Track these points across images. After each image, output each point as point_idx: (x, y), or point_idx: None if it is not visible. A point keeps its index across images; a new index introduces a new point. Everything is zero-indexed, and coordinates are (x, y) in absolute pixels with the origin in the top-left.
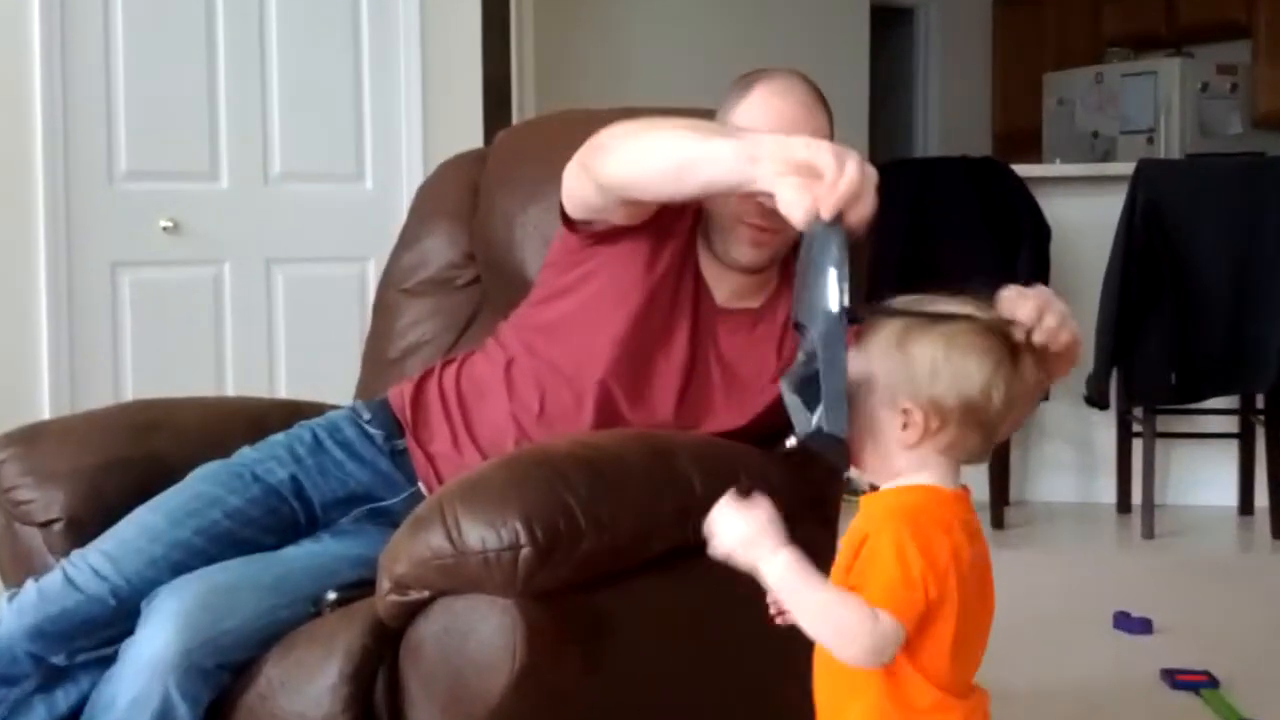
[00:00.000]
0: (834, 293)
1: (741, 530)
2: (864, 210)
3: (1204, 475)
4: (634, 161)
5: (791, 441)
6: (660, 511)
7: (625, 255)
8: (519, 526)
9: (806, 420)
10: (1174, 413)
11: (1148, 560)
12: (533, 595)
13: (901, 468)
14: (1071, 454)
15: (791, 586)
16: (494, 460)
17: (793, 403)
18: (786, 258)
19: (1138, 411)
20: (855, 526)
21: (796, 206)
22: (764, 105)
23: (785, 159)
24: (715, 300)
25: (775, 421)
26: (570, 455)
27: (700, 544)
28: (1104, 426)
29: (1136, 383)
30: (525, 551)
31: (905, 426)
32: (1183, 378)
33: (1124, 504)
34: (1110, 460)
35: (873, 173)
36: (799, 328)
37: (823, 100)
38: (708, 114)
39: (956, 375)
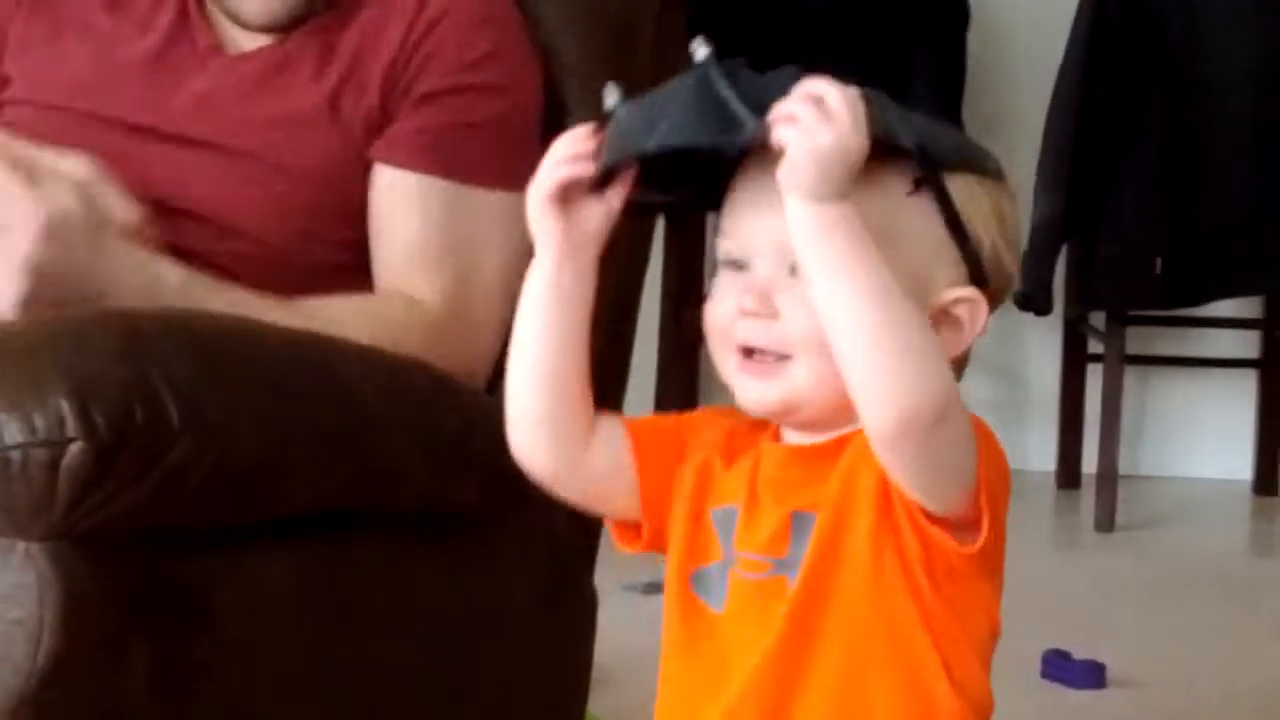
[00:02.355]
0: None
1: (854, 132)
2: None
3: (1200, 427)
4: None
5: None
6: (308, 428)
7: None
8: (65, 406)
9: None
10: (1156, 324)
11: (1103, 567)
12: (80, 538)
13: None
14: (989, 388)
15: (857, 236)
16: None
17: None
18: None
19: (1097, 320)
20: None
21: None
22: None
23: None
24: (226, 51)
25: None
26: (160, 318)
27: (386, 510)
28: (1042, 344)
29: (1099, 274)
30: (76, 449)
31: (945, 325)
32: (1173, 267)
33: (1069, 474)
34: (1051, 400)
35: None
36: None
37: None
38: None
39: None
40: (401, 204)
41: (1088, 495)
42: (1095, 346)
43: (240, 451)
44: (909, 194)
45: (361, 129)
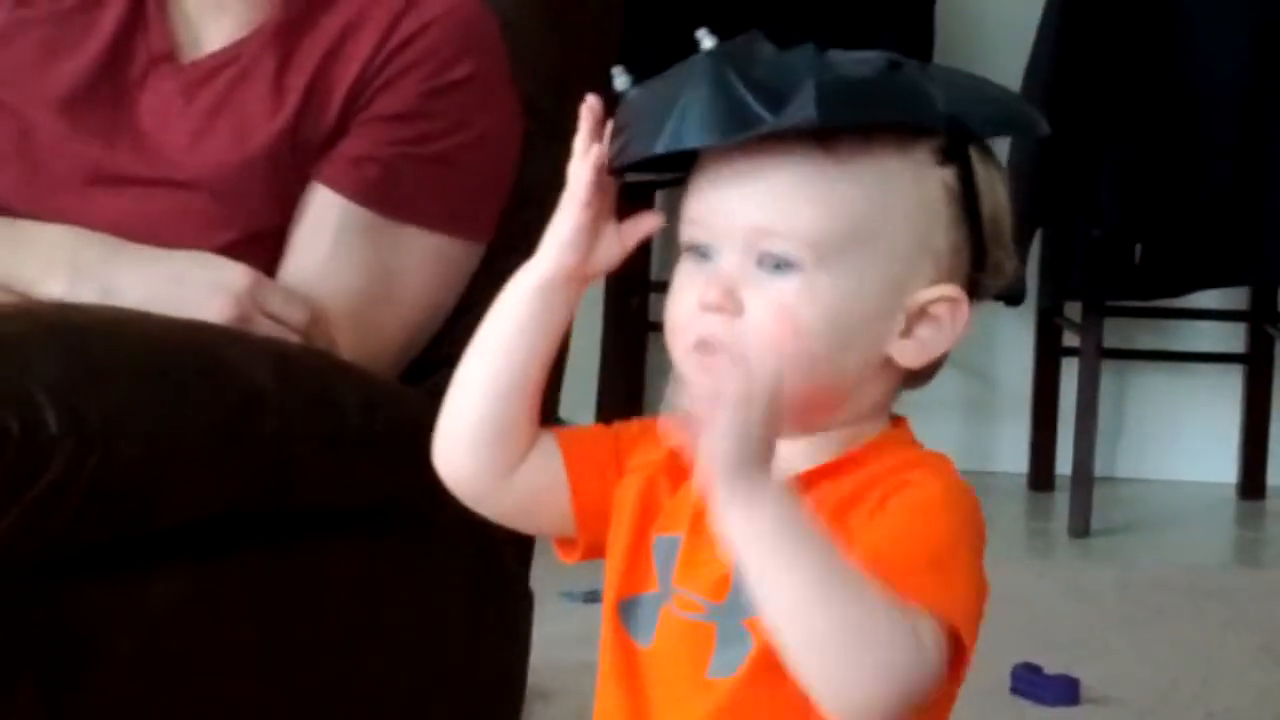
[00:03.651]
0: None
1: (747, 430)
2: None
3: (1182, 426)
4: None
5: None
6: (201, 421)
7: None
8: None
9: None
10: (1135, 315)
11: (1077, 575)
12: None
13: (870, 406)
14: (956, 385)
15: (794, 536)
16: None
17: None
18: None
19: (1073, 312)
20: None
21: None
22: None
23: None
24: (180, 57)
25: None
26: (26, 313)
27: (290, 507)
28: (1013, 337)
29: (1077, 260)
30: None
31: (924, 324)
32: (1154, 255)
33: (1041, 476)
34: (1022, 397)
35: None
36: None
37: None
38: None
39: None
40: (318, 223)
41: (1061, 499)
42: (1070, 339)
43: (128, 455)
44: (938, 164)
45: (317, 151)
